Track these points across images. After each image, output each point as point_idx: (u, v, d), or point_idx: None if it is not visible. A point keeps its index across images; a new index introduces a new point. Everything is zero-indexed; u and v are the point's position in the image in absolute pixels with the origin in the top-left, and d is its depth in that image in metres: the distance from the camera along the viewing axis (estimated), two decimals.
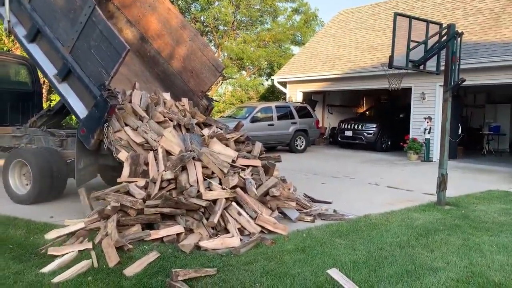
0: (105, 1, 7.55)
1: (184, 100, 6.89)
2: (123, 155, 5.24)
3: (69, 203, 6.03)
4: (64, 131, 6.48)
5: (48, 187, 6.06)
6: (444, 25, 6.83)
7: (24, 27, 6.21)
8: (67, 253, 3.96)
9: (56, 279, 3.49)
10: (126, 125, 5.66)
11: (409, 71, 7.45)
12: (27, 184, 6.23)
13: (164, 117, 6.07)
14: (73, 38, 5.57)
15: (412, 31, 6.83)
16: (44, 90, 13.89)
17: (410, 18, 6.76)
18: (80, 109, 5.69)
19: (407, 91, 13.39)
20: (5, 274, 3.61)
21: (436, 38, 6.88)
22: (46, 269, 3.69)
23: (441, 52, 7.07)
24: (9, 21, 6.22)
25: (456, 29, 6.53)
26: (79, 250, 4.04)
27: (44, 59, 6.04)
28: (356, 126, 15.31)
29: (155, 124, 5.84)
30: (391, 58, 6.60)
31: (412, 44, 6.79)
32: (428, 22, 6.95)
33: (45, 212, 5.50)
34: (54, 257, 3.94)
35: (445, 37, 6.63)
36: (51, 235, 4.43)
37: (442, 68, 6.88)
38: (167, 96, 6.84)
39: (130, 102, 6.10)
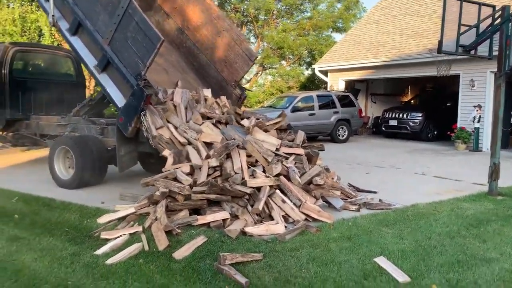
0: None
1: (223, 98, 6.95)
2: (166, 152, 5.39)
3: (118, 189, 6.23)
4: (104, 120, 6.80)
5: (90, 173, 6.37)
6: (497, 7, 6.50)
7: (66, 20, 6.49)
8: (118, 237, 4.12)
9: (110, 261, 3.65)
10: (169, 122, 5.77)
11: (459, 56, 7.18)
12: (70, 168, 6.55)
13: (204, 117, 6.15)
14: (111, 30, 5.79)
15: (463, 15, 6.55)
16: (92, 81, 14.40)
17: (461, 0, 6.47)
18: (119, 98, 5.92)
19: (455, 78, 12.88)
20: (63, 255, 3.81)
21: (489, 21, 6.56)
22: (100, 251, 3.86)
23: (493, 36, 6.74)
24: (53, 16, 6.51)
25: (511, 11, 6.19)
26: (130, 234, 4.19)
27: (85, 51, 6.30)
28: (400, 115, 14.91)
29: (194, 124, 5.91)
30: (440, 43, 6.37)
31: (463, 29, 6.52)
32: (480, 4, 6.62)
33: (95, 198, 5.73)
34: (107, 240, 4.11)
35: (498, 20, 6.30)
36: (103, 219, 4.61)
37: (495, 53, 6.57)
38: (207, 92, 6.88)
39: (172, 100, 6.20)
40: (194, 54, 7.52)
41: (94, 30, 6.03)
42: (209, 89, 7.04)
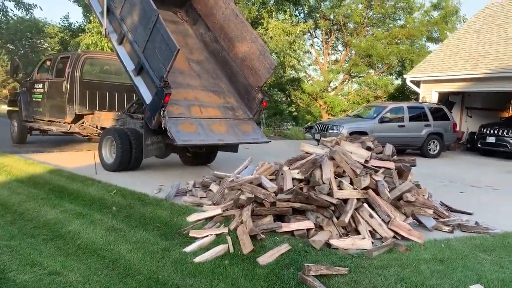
0: (191, 9, 9.09)
1: None
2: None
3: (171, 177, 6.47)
4: (142, 115, 7.68)
5: (128, 158, 7.66)
6: None
7: (116, 33, 7.75)
8: (206, 236, 4.26)
9: (197, 259, 3.78)
10: None
11: None
12: (113, 153, 7.82)
13: None
14: (145, 40, 6.92)
15: None
16: None
17: None
18: (147, 96, 6.97)
19: None
20: (154, 249, 4.02)
21: None
22: (188, 249, 4.02)
23: None
24: (106, 29, 7.81)
25: None
26: (216, 234, 4.31)
27: (127, 58, 7.50)
28: (500, 131, 13.72)
29: None
30: None
31: None
32: None
33: (151, 184, 6.45)
34: (195, 238, 4.27)
35: None
36: (192, 218, 4.80)
37: None
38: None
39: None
40: (228, 63, 8.49)
41: (134, 40, 7.22)
42: None
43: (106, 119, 9.02)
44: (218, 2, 8.46)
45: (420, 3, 25.07)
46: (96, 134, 9.54)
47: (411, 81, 17.01)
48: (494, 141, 13.84)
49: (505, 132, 13.61)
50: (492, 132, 13.97)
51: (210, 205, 5.29)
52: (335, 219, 4.58)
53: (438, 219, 5.19)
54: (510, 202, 7.02)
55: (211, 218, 4.76)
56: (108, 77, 10.29)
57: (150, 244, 4.15)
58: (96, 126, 9.33)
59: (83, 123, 9.60)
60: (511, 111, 17.57)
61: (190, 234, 4.34)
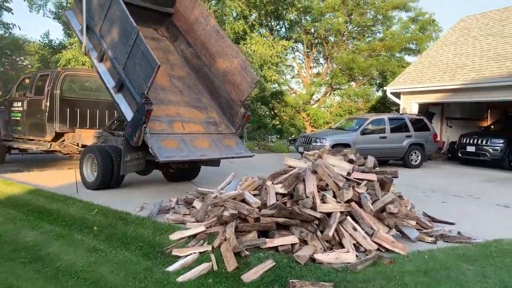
0: (172, 26, 9.11)
1: None
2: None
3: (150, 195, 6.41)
4: (122, 132, 7.65)
5: (110, 176, 7.57)
6: None
7: (96, 50, 7.72)
8: (189, 254, 4.21)
9: (180, 279, 3.72)
10: None
11: None
12: (95, 171, 7.73)
13: None
14: (125, 58, 6.91)
15: None
16: None
17: None
18: (128, 113, 6.95)
19: None
20: (137, 270, 3.95)
21: None
22: (171, 268, 3.96)
23: None
24: (85, 46, 7.76)
25: None
26: (199, 252, 4.26)
27: (107, 75, 7.47)
28: (480, 141, 13.98)
29: None
30: None
31: None
32: None
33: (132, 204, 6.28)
34: (178, 257, 4.21)
35: None
36: (175, 236, 4.74)
37: None
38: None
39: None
40: (209, 78, 8.54)
41: (114, 57, 7.21)
42: None
43: (87, 136, 8.94)
44: (198, 19, 8.53)
45: (399, 17, 25.70)
46: (77, 152, 9.41)
47: (392, 93, 17.26)
48: (474, 150, 14.09)
49: (484, 142, 13.87)
50: (471, 141, 14.23)
51: (194, 222, 5.24)
52: (319, 233, 4.57)
53: (421, 230, 5.23)
54: (491, 211, 7.12)
55: (194, 235, 4.71)
56: (89, 94, 10.22)
57: (132, 264, 4.08)
58: (77, 144, 9.24)
59: (63, 141, 9.50)
60: (490, 120, 17.93)
61: (173, 253, 4.28)
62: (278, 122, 28.14)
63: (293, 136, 24.76)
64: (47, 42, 25.49)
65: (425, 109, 16.54)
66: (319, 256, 4.16)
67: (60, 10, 22.92)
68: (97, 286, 3.62)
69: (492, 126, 16.47)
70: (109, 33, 7.36)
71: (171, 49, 8.99)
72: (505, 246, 4.89)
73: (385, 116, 13.66)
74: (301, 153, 11.90)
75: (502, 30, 15.82)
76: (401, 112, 16.22)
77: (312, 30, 25.80)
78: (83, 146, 8.88)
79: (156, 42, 8.79)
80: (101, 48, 7.49)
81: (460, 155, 14.62)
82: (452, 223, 5.88)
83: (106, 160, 7.52)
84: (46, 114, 9.25)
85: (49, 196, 6.89)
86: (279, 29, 26.95)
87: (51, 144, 9.51)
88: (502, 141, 13.48)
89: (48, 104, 9.24)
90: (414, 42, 24.89)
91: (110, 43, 7.33)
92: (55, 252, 4.41)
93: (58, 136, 9.42)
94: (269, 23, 25.19)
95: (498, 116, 17.59)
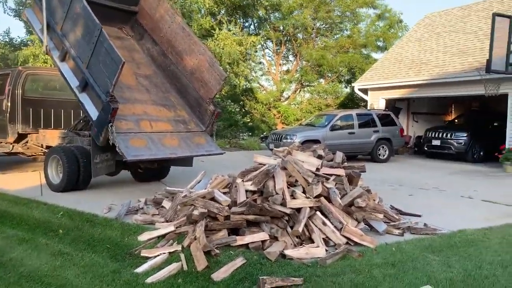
0: (137, 25, 8.95)
1: None
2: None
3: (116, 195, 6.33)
4: (88, 132, 7.52)
5: (76, 177, 7.36)
6: None
7: (57, 49, 7.53)
8: (158, 255, 4.14)
9: (149, 280, 3.66)
10: None
11: (508, 75, 6.87)
12: (60, 173, 7.52)
13: None
14: (88, 56, 6.77)
15: None
16: None
17: (511, 18, 6.24)
18: (94, 112, 6.82)
19: (502, 97, 12.34)
20: (104, 272, 3.85)
21: None
22: (140, 269, 3.88)
23: None
24: (47, 46, 7.55)
25: None
26: (169, 252, 4.20)
27: (70, 74, 7.30)
28: (444, 134, 14.42)
29: None
30: (488, 62, 6.15)
31: None
32: None
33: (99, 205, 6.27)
34: (147, 258, 4.13)
35: None
36: (143, 237, 4.66)
37: None
38: None
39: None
40: (177, 76, 8.41)
41: (77, 56, 7.05)
42: None
43: (52, 137, 8.68)
44: (164, 17, 8.40)
45: (366, 14, 26.12)
46: (42, 154, 9.12)
47: (359, 89, 17.56)
48: (439, 144, 14.51)
49: (448, 135, 14.30)
50: (437, 135, 14.64)
51: (163, 222, 5.16)
52: (289, 229, 4.58)
53: (389, 223, 5.33)
54: (455, 202, 7.34)
55: (163, 236, 4.64)
56: (53, 93, 9.89)
57: (99, 267, 3.98)
58: (41, 145, 8.96)
59: (27, 142, 9.18)
60: (454, 114, 18.49)
61: (141, 254, 4.20)
62: (249, 120, 28.17)
63: (264, 134, 24.82)
64: (7, 40, 24.59)
65: (392, 104, 16.90)
66: (289, 252, 4.17)
67: (21, 7, 22.13)
68: None
69: (456, 120, 17.02)
70: (71, 31, 7.17)
71: (136, 47, 8.82)
72: (468, 236, 5.05)
73: (353, 112, 13.88)
74: (272, 150, 11.97)
75: (464, 27, 16.32)
76: (368, 108, 16.51)
77: (281, 28, 25.89)
78: (48, 147, 8.62)
79: (120, 41, 8.60)
80: (63, 47, 7.30)
81: (426, 148, 15.03)
82: (418, 215, 6.02)
83: (72, 161, 7.30)
84: (8, 114, 8.93)
85: (11, 200, 6.65)
86: (248, 26, 26.95)
87: (13, 146, 9.19)
88: (465, 135, 13.93)
89: (9, 104, 8.92)
90: (382, 39, 25.39)
91: (73, 41, 7.15)
92: (18, 257, 4.25)
93: (21, 137, 9.11)
94: (238, 20, 25.11)
95: (462, 111, 18.18)
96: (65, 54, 7.34)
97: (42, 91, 9.85)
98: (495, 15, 6.07)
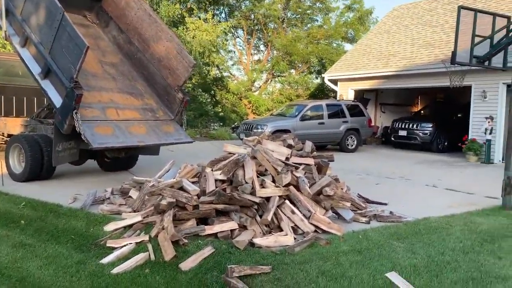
0: (102, 12, 8.69)
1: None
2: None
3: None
4: (52, 120, 7.32)
5: (39, 167, 7.17)
6: None
7: (18, 35, 7.31)
8: (125, 245, 4.06)
9: (115, 270, 3.59)
10: None
11: (472, 67, 7.06)
12: (22, 162, 7.30)
13: None
14: (50, 41, 6.58)
15: (477, 25, 6.47)
16: None
17: (476, 11, 6.41)
18: (57, 99, 6.61)
19: (466, 89, 12.71)
20: (68, 263, 3.75)
21: (503, 32, 6.47)
22: (106, 260, 3.80)
23: (508, 48, 6.64)
24: (6, 31, 7.35)
25: None
26: (136, 243, 4.13)
27: (31, 60, 7.07)
28: (410, 125, 14.75)
29: None
30: (453, 54, 6.29)
31: (477, 39, 6.43)
32: (495, 15, 6.56)
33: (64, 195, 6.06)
34: (113, 248, 4.05)
35: None
36: (109, 227, 4.57)
37: (510, 64, 6.47)
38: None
39: None
40: (144, 64, 8.24)
41: (38, 42, 6.82)
42: None
43: (13, 125, 8.41)
44: (129, 3, 8.18)
45: (336, 5, 26.32)
46: (3, 142, 8.80)
47: (329, 80, 17.72)
48: (405, 134, 14.83)
49: (415, 126, 14.64)
50: (403, 126, 14.96)
51: (130, 212, 5.06)
52: (258, 218, 4.60)
53: (356, 211, 5.42)
54: (420, 191, 7.54)
55: (130, 226, 4.56)
56: (14, 79, 9.53)
57: (63, 258, 3.87)
58: (2, 133, 8.69)
59: None
60: (420, 106, 18.93)
61: (107, 245, 4.11)
62: (220, 110, 28.00)
63: (235, 124, 24.75)
64: None
65: (360, 95, 17.14)
66: (258, 241, 4.18)
67: None
68: (24, 283, 3.40)
69: (422, 112, 17.43)
70: (32, 15, 6.90)
71: (101, 35, 8.55)
72: (432, 224, 5.20)
73: (323, 103, 14.01)
74: (243, 139, 11.96)
75: (430, 19, 16.67)
76: (338, 98, 16.69)
77: (252, 16, 25.76)
78: (9, 135, 8.35)
79: (85, 28, 8.30)
80: (24, 32, 7.04)
81: (393, 139, 15.34)
82: (385, 204, 6.15)
83: (35, 150, 7.08)
84: None
85: None
86: (219, 13, 26.66)
87: None
88: (431, 125, 14.29)
89: None
90: (351, 31, 25.66)
91: (34, 26, 6.90)
92: None
93: None
94: (209, 8, 24.79)
95: (427, 102, 18.63)
96: (26, 39, 7.08)
97: (3, 77, 9.47)
98: (460, 8, 6.21)
